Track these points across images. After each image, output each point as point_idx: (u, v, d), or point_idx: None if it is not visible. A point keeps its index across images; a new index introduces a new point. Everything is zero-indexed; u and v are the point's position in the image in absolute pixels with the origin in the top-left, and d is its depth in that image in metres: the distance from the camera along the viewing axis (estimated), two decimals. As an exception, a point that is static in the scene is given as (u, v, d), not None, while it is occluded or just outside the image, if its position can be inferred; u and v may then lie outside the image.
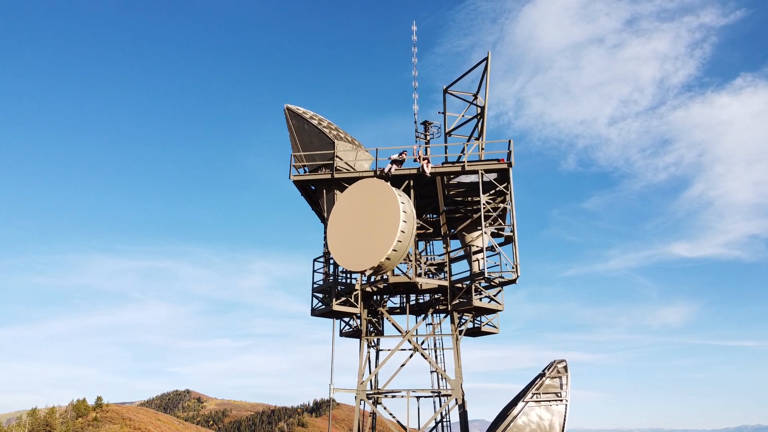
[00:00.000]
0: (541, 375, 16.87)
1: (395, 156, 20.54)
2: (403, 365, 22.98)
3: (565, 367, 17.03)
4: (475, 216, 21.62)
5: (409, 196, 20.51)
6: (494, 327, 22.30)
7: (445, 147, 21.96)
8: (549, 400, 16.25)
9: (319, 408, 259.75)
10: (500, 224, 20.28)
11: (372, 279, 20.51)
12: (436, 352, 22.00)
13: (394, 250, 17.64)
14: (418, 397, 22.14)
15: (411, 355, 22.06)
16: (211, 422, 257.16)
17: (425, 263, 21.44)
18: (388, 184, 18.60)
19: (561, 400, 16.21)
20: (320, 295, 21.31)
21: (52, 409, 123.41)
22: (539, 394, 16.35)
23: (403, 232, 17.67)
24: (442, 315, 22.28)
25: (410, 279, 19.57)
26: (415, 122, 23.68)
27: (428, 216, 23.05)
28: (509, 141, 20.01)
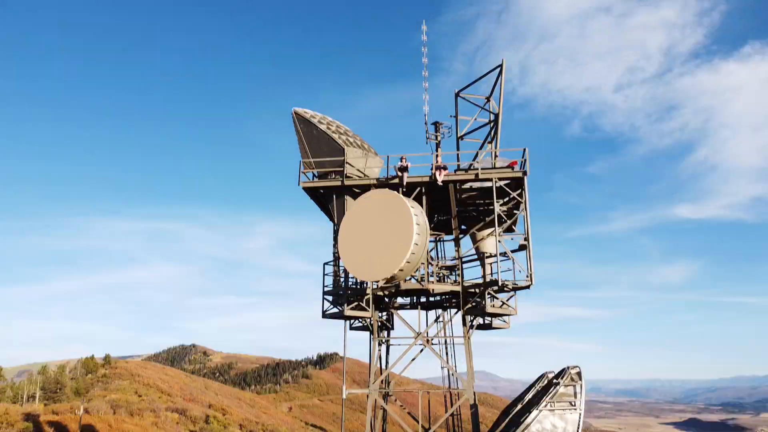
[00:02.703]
0: (555, 383, 17.30)
1: (400, 164, 20.46)
2: (413, 359, 23.56)
3: (579, 374, 17.42)
4: (488, 219, 21.73)
5: (421, 203, 20.53)
6: (505, 323, 22.71)
7: (458, 155, 21.84)
8: (563, 409, 16.74)
9: (322, 361, 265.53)
10: (513, 231, 20.49)
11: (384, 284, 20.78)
12: (446, 346, 22.53)
13: (408, 262, 17.84)
14: (428, 392, 22.77)
15: (421, 350, 22.55)
16: (218, 374, 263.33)
17: (437, 266, 21.65)
18: (401, 195, 18.63)
19: (575, 408, 16.69)
20: (330, 298, 21.63)
21: (62, 366, 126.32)
22: (553, 402, 16.82)
23: (416, 244, 17.82)
24: (453, 310, 22.61)
25: (422, 286, 19.84)
26: (425, 123, 23.46)
27: (439, 216, 23.13)
28: (524, 149, 19.93)
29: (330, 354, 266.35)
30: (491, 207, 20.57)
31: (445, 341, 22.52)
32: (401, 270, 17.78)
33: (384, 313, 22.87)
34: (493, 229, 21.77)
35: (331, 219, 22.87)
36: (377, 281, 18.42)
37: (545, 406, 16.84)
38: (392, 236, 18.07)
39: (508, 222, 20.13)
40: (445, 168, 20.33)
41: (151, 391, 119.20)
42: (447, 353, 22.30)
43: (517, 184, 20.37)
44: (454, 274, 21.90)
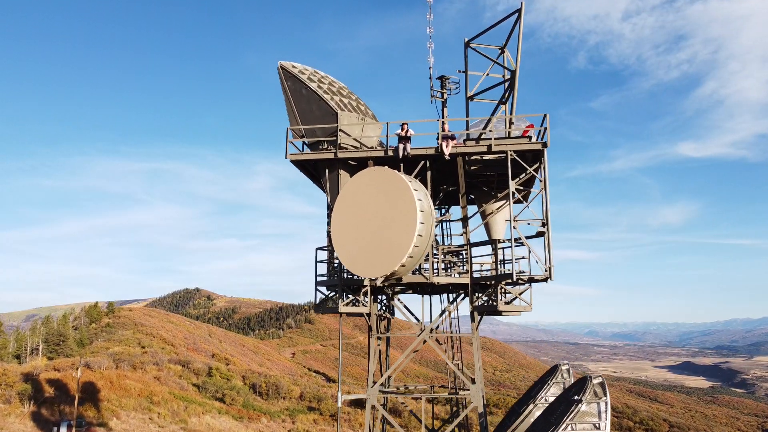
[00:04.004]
0: (577, 401, 14.96)
1: (400, 132, 17.54)
2: (416, 351, 21.35)
3: (603, 387, 15.10)
4: (500, 195, 18.96)
5: (425, 177, 17.74)
6: (517, 312, 20.37)
7: (467, 122, 18.76)
8: (585, 431, 14.49)
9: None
10: (524, 202, 17.64)
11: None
12: (452, 341, 20.16)
13: (410, 257, 15.20)
14: (432, 398, 20.63)
15: (424, 342, 20.28)
16: (222, 319, 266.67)
17: (442, 251, 18.92)
18: (402, 174, 15.73)
19: (599, 431, 14.44)
20: (324, 288, 19.11)
21: (65, 316, 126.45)
22: (574, 423, 14.55)
23: (420, 235, 15.12)
24: (460, 297, 20.21)
25: (427, 279, 17.25)
26: (430, 78, 20.27)
27: (445, 188, 20.34)
28: (544, 115, 16.87)
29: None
30: (504, 178, 17.82)
31: (451, 338, 20.12)
32: (403, 265, 15.18)
33: (383, 297, 20.45)
34: (503, 203, 19.03)
35: (326, 193, 20.11)
36: (376, 280, 15.85)
37: (565, 428, 14.54)
38: (392, 224, 15.36)
39: (525, 203, 17.29)
40: (452, 138, 17.44)
41: (154, 342, 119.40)
42: (453, 345, 19.98)
43: (534, 156, 17.46)
44: (461, 257, 19.22)
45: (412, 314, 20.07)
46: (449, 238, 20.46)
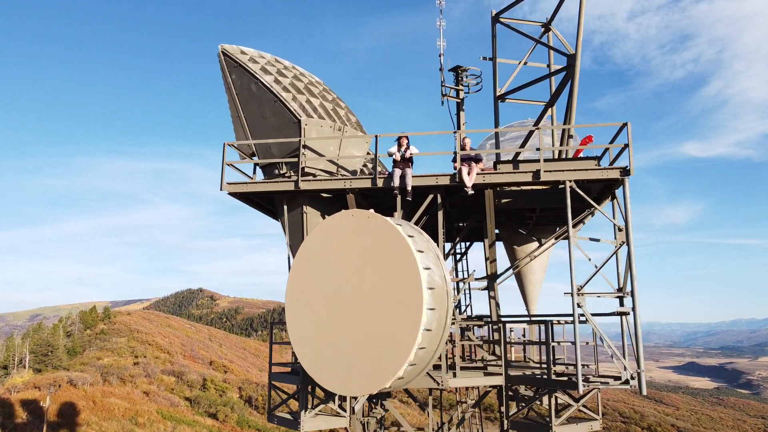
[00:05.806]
0: None
1: (395, 153, 11.25)
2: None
3: None
4: (544, 240, 12.79)
5: (435, 216, 11.60)
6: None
7: (496, 133, 12.53)
8: None
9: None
10: (606, 285, 11.36)
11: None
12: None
13: (412, 365, 9.05)
14: None
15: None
16: (225, 319, 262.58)
17: (460, 320, 12.63)
18: (399, 226, 9.49)
19: None
20: (282, 387, 13.00)
21: (60, 321, 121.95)
22: None
23: (428, 330, 8.96)
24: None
25: (438, 384, 11.02)
26: (440, 69, 14.08)
27: (462, 224, 14.17)
28: (624, 124, 10.64)
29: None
30: (547, 214, 11.75)
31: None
32: (401, 378, 9.06)
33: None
34: (542, 247, 12.91)
35: (285, 237, 13.92)
36: (355, 396, 9.83)
37: None
38: (383, 308, 9.20)
39: (597, 269, 11.03)
40: (477, 160, 11.25)
41: (149, 351, 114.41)
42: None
43: (604, 188, 11.25)
44: (489, 332, 12.98)
45: (417, 401, 14.01)
46: (467, 295, 14.28)
